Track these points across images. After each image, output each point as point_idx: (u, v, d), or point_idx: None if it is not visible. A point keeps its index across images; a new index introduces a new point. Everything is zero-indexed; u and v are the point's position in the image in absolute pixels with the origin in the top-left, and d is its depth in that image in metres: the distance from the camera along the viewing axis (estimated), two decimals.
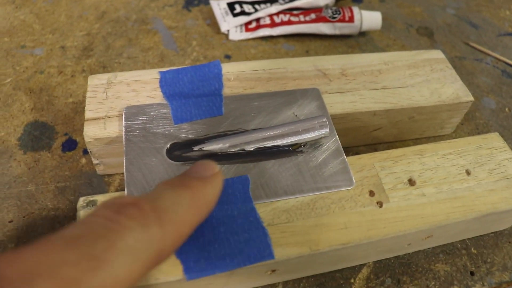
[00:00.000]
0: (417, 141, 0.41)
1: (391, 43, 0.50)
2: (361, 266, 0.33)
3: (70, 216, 0.34)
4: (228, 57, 0.46)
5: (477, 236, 0.35)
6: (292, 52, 0.48)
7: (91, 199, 0.29)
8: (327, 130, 0.31)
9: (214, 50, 0.47)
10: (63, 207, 0.34)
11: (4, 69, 0.44)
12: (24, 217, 0.34)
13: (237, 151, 0.31)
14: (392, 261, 0.33)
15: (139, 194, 0.29)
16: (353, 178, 0.31)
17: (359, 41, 0.49)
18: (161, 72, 0.36)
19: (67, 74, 0.44)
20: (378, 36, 0.50)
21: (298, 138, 0.31)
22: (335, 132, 0.33)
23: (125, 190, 0.29)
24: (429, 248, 0.34)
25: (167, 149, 0.31)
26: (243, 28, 0.48)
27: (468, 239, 0.35)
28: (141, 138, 0.31)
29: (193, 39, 0.48)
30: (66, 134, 0.39)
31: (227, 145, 0.31)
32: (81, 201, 0.29)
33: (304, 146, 0.32)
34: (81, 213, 0.28)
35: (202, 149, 0.31)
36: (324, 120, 0.32)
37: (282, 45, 0.48)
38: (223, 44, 0.48)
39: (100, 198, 0.29)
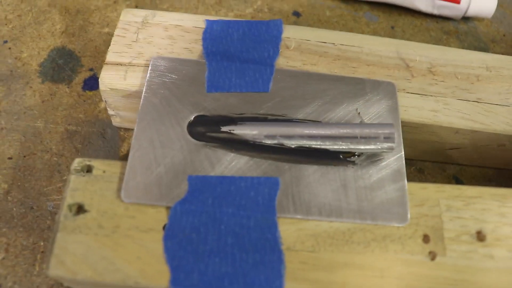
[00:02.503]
0: (499, 171, 0.33)
1: (498, 38, 0.40)
2: None
3: None
4: (297, 15, 0.39)
5: None
6: (374, 24, 0.39)
7: (88, 163, 0.24)
8: (393, 145, 0.24)
9: (283, 2, 0.39)
10: (68, 154, 0.30)
11: None
12: (24, 156, 0.30)
13: (273, 144, 0.25)
14: None
15: (142, 172, 0.24)
16: (409, 213, 0.24)
17: (459, 28, 0.40)
18: (207, 21, 0.30)
19: None
20: (485, 26, 0.40)
21: (353, 146, 0.25)
22: (402, 147, 0.26)
23: (127, 165, 0.24)
24: None
25: (190, 122, 0.25)
26: None
27: None
28: (163, 101, 0.26)
29: None
30: (91, 70, 0.34)
31: (263, 134, 0.25)
32: (76, 163, 0.24)
33: (358, 156, 0.25)
34: (72, 177, 0.24)
35: (232, 131, 0.25)
36: (392, 132, 0.24)
37: (364, 13, 0.40)
38: None
39: (97, 165, 0.24)
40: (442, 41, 0.39)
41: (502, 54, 0.38)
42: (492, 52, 0.39)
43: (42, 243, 0.28)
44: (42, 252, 0.27)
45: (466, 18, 0.40)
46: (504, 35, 0.40)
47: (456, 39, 0.39)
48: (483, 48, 0.39)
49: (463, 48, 0.39)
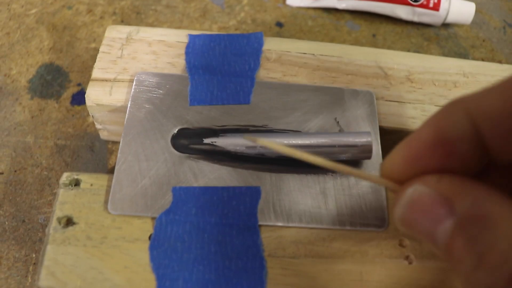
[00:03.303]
0: None
1: (478, 43, 0.41)
2: None
3: None
4: (279, 25, 0.40)
5: None
6: (356, 33, 0.40)
7: (75, 177, 0.25)
8: (370, 153, 0.25)
9: (266, 14, 0.40)
10: (57, 168, 0.31)
11: None
12: (15, 171, 0.31)
13: (254, 154, 0.26)
14: None
15: (128, 184, 0.24)
16: (387, 218, 0.25)
17: (440, 34, 0.41)
18: (190, 36, 0.30)
19: (96, 14, 0.39)
20: (464, 32, 0.41)
21: (331, 155, 0.26)
22: (380, 154, 0.27)
23: (113, 178, 0.24)
24: None
25: (173, 135, 0.26)
26: None
27: None
28: (147, 115, 0.27)
29: None
30: (79, 85, 0.35)
31: (244, 145, 0.26)
32: (64, 177, 0.25)
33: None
34: (61, 191, 0.24)
35: (214, 143, 0.26)
36: (368, 140, 0.25)
37: (346, 22, 0.41)
38: (277, 8, 0.41)
39: (85, 178, 0.25)
40: (423, 47, 0.40)
41: (482, 59, 0.39)
42: (471, 58, 0.40)
43: (34, 255, 0.28)
44: (34, 263, 0.28)
45: (446, 25, 0.41)
46: (483, 41, 0.41)
47: (437, 45, 0.40)
48: (463, 53, 0.40)
49: (443, 54, 0.40)
